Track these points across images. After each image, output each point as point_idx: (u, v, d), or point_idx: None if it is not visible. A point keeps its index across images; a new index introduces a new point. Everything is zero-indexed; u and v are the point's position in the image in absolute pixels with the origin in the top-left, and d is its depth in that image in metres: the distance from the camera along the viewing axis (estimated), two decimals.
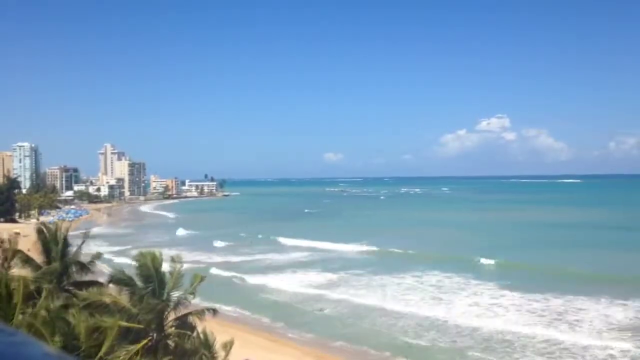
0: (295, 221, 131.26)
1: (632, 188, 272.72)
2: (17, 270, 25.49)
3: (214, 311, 25.11)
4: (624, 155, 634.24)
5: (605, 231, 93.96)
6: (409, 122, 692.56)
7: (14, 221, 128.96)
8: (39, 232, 26.41)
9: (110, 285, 24.45)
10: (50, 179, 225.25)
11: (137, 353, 20.35)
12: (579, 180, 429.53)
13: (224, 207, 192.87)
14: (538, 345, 37.66)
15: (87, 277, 26.55)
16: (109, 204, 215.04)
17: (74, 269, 26.03)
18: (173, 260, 24.67)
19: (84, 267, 26.23)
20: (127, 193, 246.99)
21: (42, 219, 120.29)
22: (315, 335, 41.73)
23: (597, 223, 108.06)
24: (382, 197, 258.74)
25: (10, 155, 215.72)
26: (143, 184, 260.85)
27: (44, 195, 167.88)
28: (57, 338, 18.29)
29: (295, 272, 65.79)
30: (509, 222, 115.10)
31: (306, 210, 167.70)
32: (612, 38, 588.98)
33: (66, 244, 26.19)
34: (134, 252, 30.31)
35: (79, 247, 27.04)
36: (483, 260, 67.12)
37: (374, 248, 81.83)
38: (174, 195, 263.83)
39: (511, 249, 75.02)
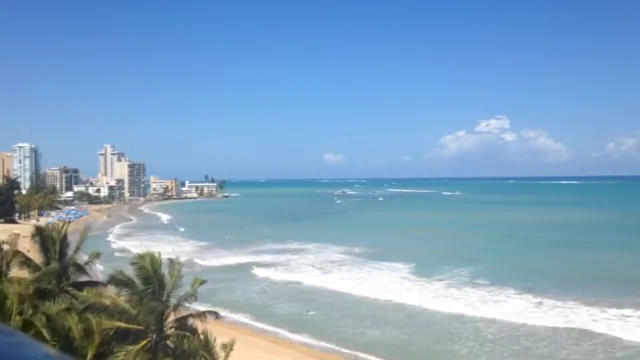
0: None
1: (631, 190, 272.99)
2: (16, 272, 25.32)
3: (216, 314, 24.82)
4: (622, 157, 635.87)
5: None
6: (408, 123, 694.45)
7: (13, 222, 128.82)
8: (37, 233, 26.18)
9: (110, 286, 24.26)
10: (50, 180, 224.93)
11: (136, 354, 20.19)
12: (577, 182, 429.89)
13: (216, 209, 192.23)
14: None
15: (86, 278, 26.37)
16: (108, 205, 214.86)
17: (72, 269, 25.82)
18: (172, 261, 24.53)
19: (80, 268, 26.03)
20: (127, 194, 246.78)
21: (42, 219, 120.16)
22: None
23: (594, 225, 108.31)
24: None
25: (10, 156, 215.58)
26: (143, 185, 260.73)
27: (44, 196, 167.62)
28: (53, 339, 18.12)
29: None
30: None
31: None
32: (611, 40, 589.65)
33: (64, 244, 25.99)
34: None
35: (77, 248, 26.82)
36: None
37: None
38: (174, 197, 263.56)
39: None
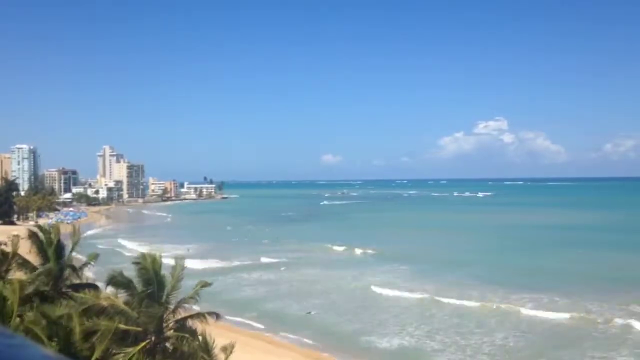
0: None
1: (629, 191, 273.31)
2: (15, 273, 25.19)
3: (217, 315, 24.52)
4: (620, 158, 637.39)
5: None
6: (407, 125, 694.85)
7: (12, 223, 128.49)
8: (34, 234, 26.03)
9: (109, 287, 24.09)
10: (48, 181, 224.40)
11: (135, 356, 20.06)
12: (576, 183, 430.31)
13: (214, 210, 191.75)
14: None
15: (86, 279, 26.25)
16: (107, 206, 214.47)
17: (68, 271, 25.70)
18: (175, 259, 24.42)
19: (75, 270, 25.91)
20: (125, 195, 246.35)
21: (41, 221, 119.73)
22: None
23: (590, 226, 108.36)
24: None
25: (9, 157, 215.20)
26: (142, 186, 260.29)
27: (43, 197, 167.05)
28: (53, 341, 18.01)
29: None
30: None
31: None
32: (609, 41, 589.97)
33: (61, 246, 25.85)
34: None
35: (72, 249, 26.65)
36: None
37: None
38: (173, 198, 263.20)
39: None
